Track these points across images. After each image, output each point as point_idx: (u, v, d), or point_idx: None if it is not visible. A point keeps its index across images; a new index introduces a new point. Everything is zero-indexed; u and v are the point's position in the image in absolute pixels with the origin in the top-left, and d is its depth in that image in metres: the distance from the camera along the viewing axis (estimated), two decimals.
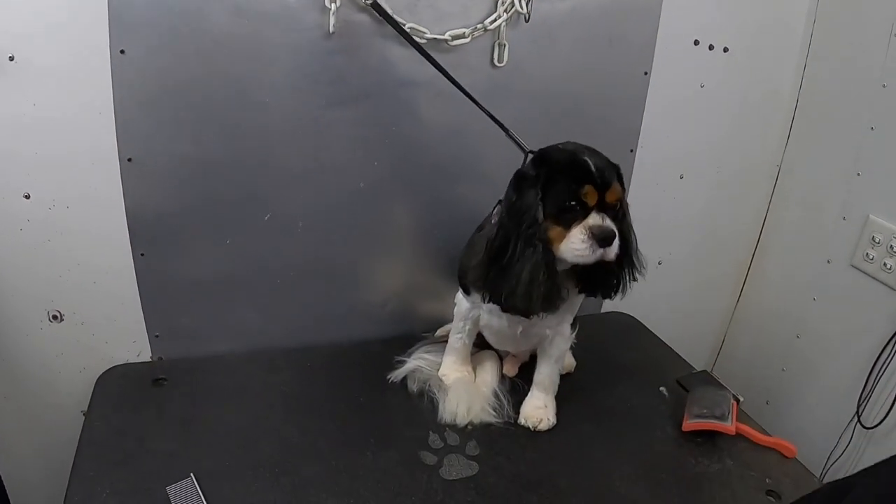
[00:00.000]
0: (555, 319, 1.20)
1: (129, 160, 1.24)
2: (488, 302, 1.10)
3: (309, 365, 1.40)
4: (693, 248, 1.74)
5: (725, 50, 1.52)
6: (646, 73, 1.47)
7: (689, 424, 1.25)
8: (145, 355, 1.41)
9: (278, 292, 1.42)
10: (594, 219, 1.01)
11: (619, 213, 1.06)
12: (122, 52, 1.16)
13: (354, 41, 1.25)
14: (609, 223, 1.02)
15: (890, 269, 1.44)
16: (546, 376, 1.27)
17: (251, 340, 1.44)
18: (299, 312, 1.46)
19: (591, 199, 1.01)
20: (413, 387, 1.33)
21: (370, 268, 1.47)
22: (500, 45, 1.30)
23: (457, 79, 1.21)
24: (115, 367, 1.36)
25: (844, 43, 1.53)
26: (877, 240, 1.47)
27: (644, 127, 1.51)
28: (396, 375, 1.35)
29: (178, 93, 1.22)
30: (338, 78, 1.27)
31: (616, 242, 1.02)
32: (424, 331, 1.50)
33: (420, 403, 1.30)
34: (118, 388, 1.30)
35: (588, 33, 1.39)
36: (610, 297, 1.14)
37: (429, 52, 1.20)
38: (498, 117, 1.22)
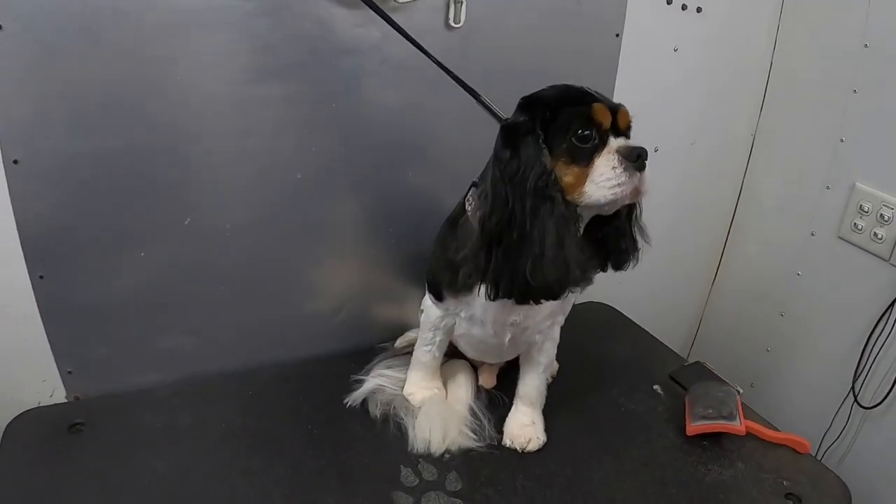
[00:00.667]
0: (546, 321, 1.00)
1: (15, 162, 0.97)
2: (496, 297, 0.84)
3: (251, 393, 1.15)
4: (668, 227, 1.55)
5: (699, 10, 1.33)
6: (617, 35, 1.27)
7: (695, 428, 1.08)
8: (59, 395, 1.13)
9: (209, 309, 1.16)
10: (617, 141, 0.81)
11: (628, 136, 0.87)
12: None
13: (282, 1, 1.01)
14: (631, 141, 0.82)
15: (881, 238, 1.29)
16: (533, 388, 1.06)
17: (182, 368, 1.18)
18: (236, 331, 1.20)
19: (606, 120, 0.80)
20: (375, 411, 1.09)
21: (316, 272, 1.22)
22: (455, 2, 1.08)
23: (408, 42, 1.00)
24: (26, 411, 1.08)
25: (822, 1, 1.37)
26: (865, 209, 1.33)
27: (616, 92, 1.31)
28: (355, 399, 1.11)
29: (69, 75, 0.95)
30: (262, 47, 1.02)
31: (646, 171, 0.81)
32: (383, 341, 1.27)
33: (386, 431, 1.06)
34: (29, 436, 1.04)
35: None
36: (623, 268, 0.94)
37: (370, 11, 0.98)
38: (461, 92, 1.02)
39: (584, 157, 0.80)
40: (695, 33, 1.36)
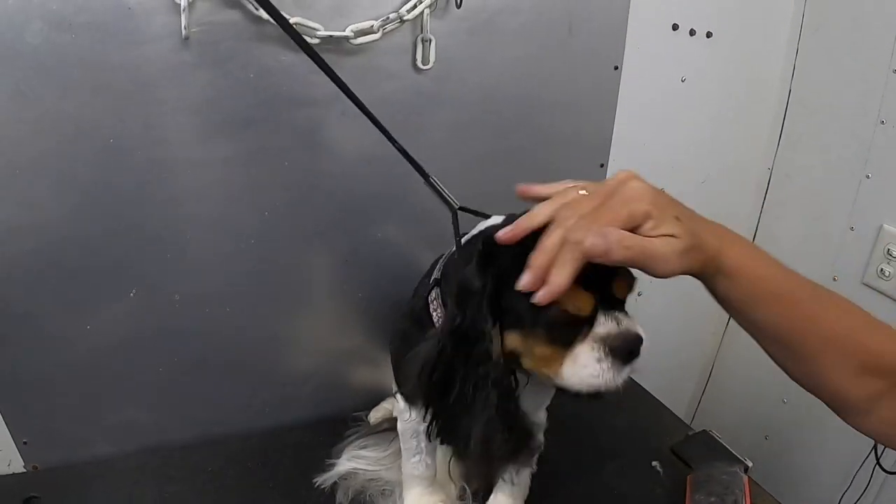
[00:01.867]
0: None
1: None
2: (434, 441, 0.70)
3: (211, 470, 1.00)
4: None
5: (708, 35, 1.14)
6: (616, 68, 1.08)
7: None
8: (17, 465, 1.01)
9: (165, 380, 1.02)
10: (606, 324, 0.62)
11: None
12: None
13: (222, 48, 0.84)
14: (628, 323, 0.63)
15: None
16: (515, 483, 0.89)
17: (142, 439, 1.04)
18: (197, 401, 1.05)
19: (587, 306, 0.61)
20: (344, 500, 0.93)
21: (280, 339, 1.06)
22: (423, 40, 0.90)
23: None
24: None
25: (845, 23, 1.16)
26: (893, 253, 1.16)
27: (616, 134, 1.12)
28: (324, 481, 0.96)
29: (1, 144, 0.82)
30: (205, 103, 0.86)
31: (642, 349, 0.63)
32: (357, 409, 1.11)
33: None
34: None
35: (541, 19, 0.99)
36: None
37: (326, 54, 0.83)
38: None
39: (561, 340, 0.63)
40: (704, 61, 1.16)
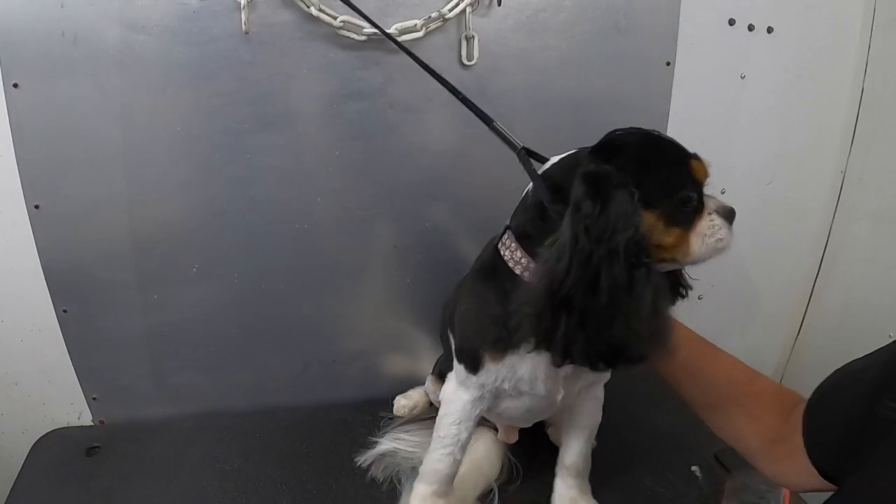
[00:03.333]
0: (592, 376, 0.83)
1: (37, 207, 0.97)
2: (563, 363, 0.69)
3: (258, 436, 1.07)
4: (740, 278, 1.30)
5: (769, 30, 1.09)
6: (668, 64, 1.05)
7: None
8: (86, 418, 1.13)
9: (223, 350, 1.10)
10: (712, 200, 0.70)
11: None
12: (14, 85, 0.90)
13: (278, 46, 0.91)
14: (722, 198, 0.72)
15: None
16: (579, 456, 0.89)
17: (198, 403, 1.12)
18: (251, 373, 1.12)
19: (705, 179, 0.69)
20: (378, 473, 0.96)
21: (330, 318, 1.11)
22: (466, 37, 0.92)
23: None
24: (54, 430, 1.10)
25: None
26: None
27: (671, 133, 1.08)
28: (366, 459, 0.99)
29: (81, 126, 0.93)
30: (262, 96, 0.93)
31: None
32: (398, 392, 1.14)
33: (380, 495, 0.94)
34: (50, 455, 1.05)
35: (586, 16, 0.99)
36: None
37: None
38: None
39: (687, 220, 0.68)
40: (765, 57, 1.10)
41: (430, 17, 0.89)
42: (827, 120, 1.21)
